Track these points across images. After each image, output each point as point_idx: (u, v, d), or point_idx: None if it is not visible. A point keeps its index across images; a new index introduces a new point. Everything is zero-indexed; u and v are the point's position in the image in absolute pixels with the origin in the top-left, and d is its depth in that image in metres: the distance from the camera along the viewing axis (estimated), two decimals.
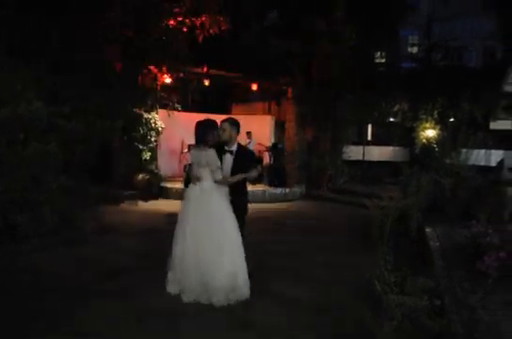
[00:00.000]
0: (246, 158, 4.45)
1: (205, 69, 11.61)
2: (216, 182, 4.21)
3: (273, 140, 14.22)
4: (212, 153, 4.19)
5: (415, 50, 23.57)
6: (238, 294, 4.07)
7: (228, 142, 4.38)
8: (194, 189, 4.28)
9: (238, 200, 4.38)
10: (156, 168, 11.72)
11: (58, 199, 5.81)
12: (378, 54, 18.36)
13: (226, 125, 4.35)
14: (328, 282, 4.81)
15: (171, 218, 7.72)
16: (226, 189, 4.31)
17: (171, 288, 4.24)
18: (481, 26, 24.21)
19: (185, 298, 4.06)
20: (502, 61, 17.24)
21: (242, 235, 4.24)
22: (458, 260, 4.90)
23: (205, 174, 4.21)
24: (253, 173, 4.38)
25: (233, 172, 4.34)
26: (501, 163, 10.08)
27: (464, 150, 9.17)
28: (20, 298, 4.20)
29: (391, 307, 3.36)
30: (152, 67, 9.74)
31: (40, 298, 4.21)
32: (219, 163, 4.23)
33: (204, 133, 4.25)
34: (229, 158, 4.40)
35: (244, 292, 4.11)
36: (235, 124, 4.43)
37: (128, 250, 6.03)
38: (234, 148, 4.40)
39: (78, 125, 6.04)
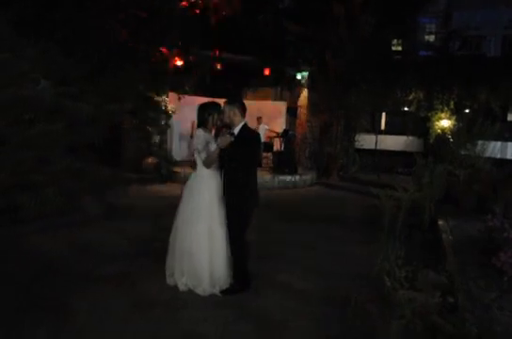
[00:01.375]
0: (244, 140, 3.93)
1: (217, 52, 11.40)
2: (204, 164, 4.03)
3: (285, 127, 14.02)
4: (199, 134, 4.04)
5: (432, 38, 23.15)
6: (216, 288, 3.97)
7: (231, 125, 4.05)
8: (191, 176, 4.17)
9: (230, 193, 3.96)
10: (166, 151, 11.65)
11: (64, 180, 5.72)
12: (395, 41, 17.95)
13: (225, 107, 4.06)
14: (337, 275, 4.66)
15: (177, 202, 7.68)
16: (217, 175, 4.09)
17: (169, 278, 4.17)
18: (501, 15, 23.59)
19: (180, 287, 4.03)
20: None
21: (236, 238, 3.97)
22: (472, 255, 4.75)
23: (198, 159, 4.08)
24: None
25: (230, 156, 3.94)
26: None
27: (480, 141, 8.95)
28: (17, 282, 4.14)
29: (400, 304, 3.23)
30: (163, 49, 9.56)
31: (37, 281, 4.15)
32: (205, 144, 3.99)
33: (203, 116, 4.12)
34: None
35: (220, 287, 4.00)
36: (234, 105, 4.04)
37: (132, 234, 5.95)
38: (237, 130, 3.99)
39: (86, 106, 5.92)
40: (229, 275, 4.01)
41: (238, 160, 3.86)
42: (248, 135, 4.02)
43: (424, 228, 6.23)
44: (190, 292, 3.96)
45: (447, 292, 3.39)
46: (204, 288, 3.91)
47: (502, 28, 24.71)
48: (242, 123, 4.02)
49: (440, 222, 6.23)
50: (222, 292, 3.93)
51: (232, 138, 3.87)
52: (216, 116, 4.10)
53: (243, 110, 4.06)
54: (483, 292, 3.48)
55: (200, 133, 4.05)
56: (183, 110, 11.61)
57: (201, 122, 4.12)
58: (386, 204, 6.17)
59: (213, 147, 3.95)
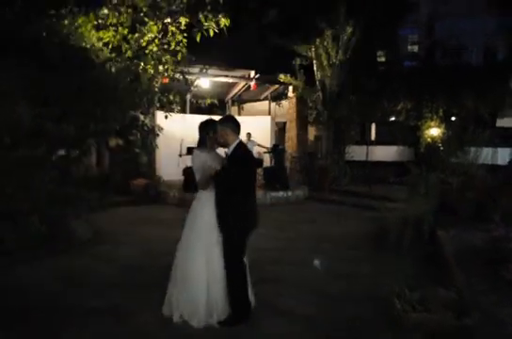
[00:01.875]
0: (237, 160, 3.73)
1: (204, 68, 11.29)
2: (198, 186, 3.83)
3: (273, 141, 13.87)
4: (194, 154, 3.87)
5: (415, 49, 23.41)
6: (214, 318, 3.67)
7: (226, 144, 3.83)
8: (195, 198, 3.95)
9: (224, 215, 3.71)
10: (155, 172, 11.40)
11: (48, 207, 5.44)
12: (379, 53, 18.09)
13: (218, 127, 3.85)
14: (342, 297, 4.35)
15: (167, 226, 7.36)
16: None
17: (165, 307, 3.87)
18: (482, 25, 23.93)
19: (174, 318, 3.72)
20: (506, 58, 16.95)
21: (232, 262, 3.71)
22: (476, 265, 4.57)
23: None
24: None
25: (225, 176, 3.72)
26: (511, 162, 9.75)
27: (473, 148, 8.88)
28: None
29: (412, 328, 3.02)
30: (148, 67, 9.38)
31: (20, 317, 3.85)
32: (200, 164, 3.81)
33: (201, 135, 3.93)
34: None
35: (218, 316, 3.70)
36: (227, 124, 3.83)
37: (121, 261, 5.59)
38: (231, 149, 3.78)
39: (69, 128, 5.68)
40: (227, 302, 3.74)
41: (232, 180, 3.65)
42: (242, 154, 3.78)
43: (423, 240, 6.04)
44: (185, 324, 3.67)
45: (461, 312, 3.18)
46: (199, 318, 3.63)
47: (483, 38, 25.04)
48: (236, 142, 3.79)
49: (440, 233, 6.06)
50: (220, 323, 3.66)
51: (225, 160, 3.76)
52: (212, 134, 3.89)
53: (236, 128, 3.84)
54: (497, 308, 3.29)
55: (196, 153, 3.86)
56: (170, 129, 11.42)
57: (200, 142, 3.93)
58: (389, 219, 5.92)
59: (209, 167, 3.75)
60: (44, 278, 4.93)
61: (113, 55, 8.26)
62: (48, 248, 5.55)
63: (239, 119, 4.01)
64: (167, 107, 10.70)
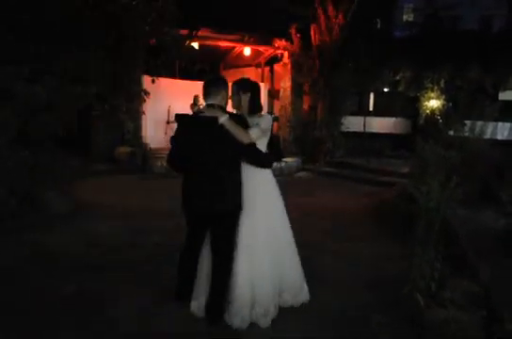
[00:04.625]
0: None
1: (194, 30, 10.49)
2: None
3: (267, 110, 13.24)
4: (268, 118, 3.36)
5: (411, 18, 22.73)
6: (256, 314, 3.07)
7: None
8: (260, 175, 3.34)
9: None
10: (141, 139, 10.78)
11: (18, 177, 4.85)
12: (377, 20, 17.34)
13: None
14: (352, 286, 3.88)
15: (154, 198, 6.82)
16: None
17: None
18: None
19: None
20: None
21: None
22: (493, 250, 4.17)
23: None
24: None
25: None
26: None
27: (479, 122, 8.43)
28: None
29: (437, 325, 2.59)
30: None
31: None
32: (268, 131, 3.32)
33: (256, 96, 3.36)
34: None
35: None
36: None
37: (100, 238, 5.04)
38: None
39: (42, 90, 5.04)
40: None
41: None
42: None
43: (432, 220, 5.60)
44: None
45: (490, 308, 2.75)
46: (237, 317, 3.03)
47: (478, 8, 24.28)
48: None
49: (448, 213, 5.64)
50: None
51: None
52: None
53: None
54: None
55: (268, 117, 3.33)
56: (157, 94, 10.74)
57: (255, 104, 3.31)
58: (394, 195, 5.45)
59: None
60: (10, 256, 4.41)
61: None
62: (18, 221, 4.98)
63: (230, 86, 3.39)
64: (153, 71, 9.97)
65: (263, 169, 3.24)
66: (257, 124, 3.12)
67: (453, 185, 5.24)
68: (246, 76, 3.60)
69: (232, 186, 3.05)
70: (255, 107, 3.27)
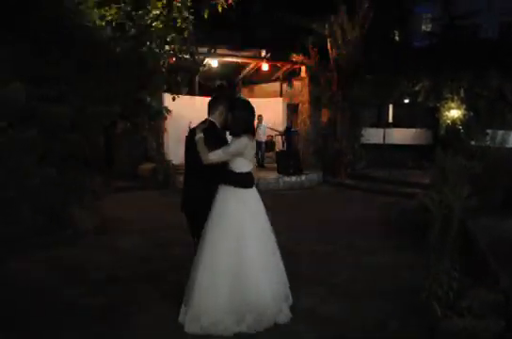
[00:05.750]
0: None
1: (212, 48, 10.74)
2: None
3: (285, 124, 13.35)
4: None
5: (429, 28, 22.66)
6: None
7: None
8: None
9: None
10: (163, 155, 10.99)
11: (44, 194, 5.04)
12: (394, 31, 17.38)
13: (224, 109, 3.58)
14: (368, 296, 3.92)
15: (176, 213, 6.94)
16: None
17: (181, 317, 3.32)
18: (495, 2, 23.05)
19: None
20: None
21: None
22: None
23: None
24: None
25: None
26: None
27: (500, 131, 8.36)
28: None
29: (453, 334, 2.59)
30: (153, 46, 8.88)
31: (12, 317, 3.48)
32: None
33: (249, 116, 3.54)
34: None
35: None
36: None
37: (127, 253, 5.21)
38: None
39: (67, 110, 5.25)
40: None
41: None
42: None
43: (452, 229, 5.55)
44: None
45: (509, 316, 2.74)
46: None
47: (497, 15, 24.10)
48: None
49: (471, 222, 5.58)
50: None
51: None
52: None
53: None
54: None
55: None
56: (179, 112, 10.97)
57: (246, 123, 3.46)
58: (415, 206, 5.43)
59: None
60: (39, 271, 4.57)
61: (116, 34, 7.79)
62: (45, 238, 5.17)
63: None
64: (174, 89, 10.21)
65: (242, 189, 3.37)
66: (228, 146, 3.29)
67: (466, 194, 5.24)
68: (240, 95, 3.78)
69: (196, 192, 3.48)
70: (234, 127, 3.38)
